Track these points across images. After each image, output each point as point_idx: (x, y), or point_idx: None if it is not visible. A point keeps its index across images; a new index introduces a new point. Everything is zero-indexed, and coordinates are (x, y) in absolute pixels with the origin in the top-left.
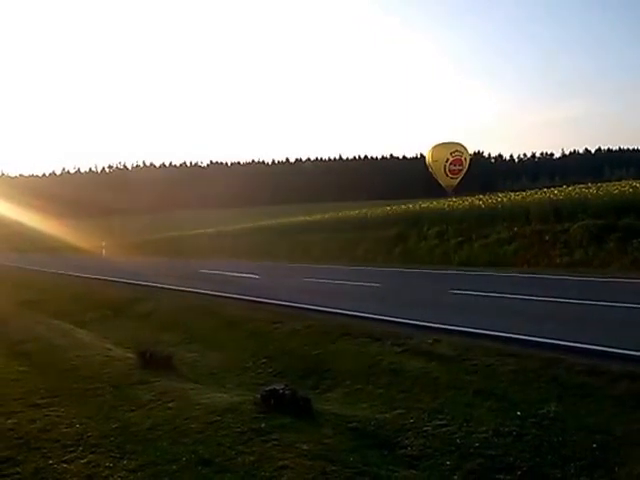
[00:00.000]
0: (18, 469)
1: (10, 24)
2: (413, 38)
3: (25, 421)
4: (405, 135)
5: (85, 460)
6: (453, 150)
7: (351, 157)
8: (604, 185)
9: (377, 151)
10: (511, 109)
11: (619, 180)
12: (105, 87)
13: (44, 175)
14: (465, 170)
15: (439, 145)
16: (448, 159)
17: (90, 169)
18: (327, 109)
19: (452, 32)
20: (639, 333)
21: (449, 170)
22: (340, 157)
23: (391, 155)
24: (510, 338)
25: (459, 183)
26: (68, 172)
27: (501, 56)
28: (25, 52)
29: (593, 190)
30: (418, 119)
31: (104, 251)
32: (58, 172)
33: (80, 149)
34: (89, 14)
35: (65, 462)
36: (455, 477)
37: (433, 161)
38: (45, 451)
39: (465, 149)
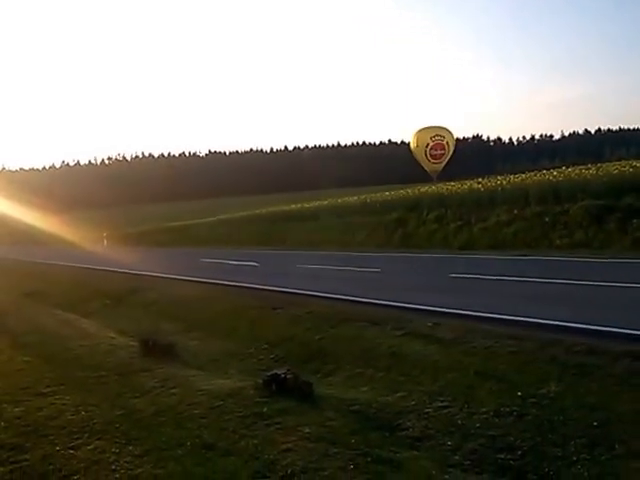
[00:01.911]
0: (26, 456)
1: (7, 17)
2: (412, 21)
3: (32, 409)
4: (404, 121)
5: (91, 446)
6: (433, 135)
7: (349, 144)
8: (604, 165)
9: (375, 137)
10: (510, 92)
11: (619, 160)
12: (103, 79)
13: (44, 168)
14: (448, 155)
15: (422, 130)
16: (428, 144)
17: (89, 161)
18: (326, 96)
19: (442, 10)
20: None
21: (430, 155)
22: (339, 144)
23: (389, 141)
24: (509, 320)
25: (444, 168)
26: (68, 165)
27: (498, 39)
28: (23, 45)
29: (593, 171)
30: (418, 104)
31: (105, 242)
32: (58, 165)
33: (79, 142)
34: (85, 5)
35: (72, 449)
36: (456, 457)
37: (416, 146)
38: (52, 438)
39: (448, 133)
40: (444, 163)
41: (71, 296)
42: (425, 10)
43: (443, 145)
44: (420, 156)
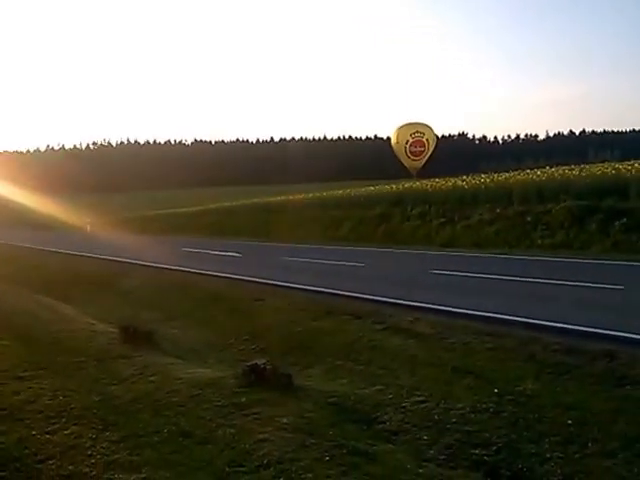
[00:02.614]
0: (2, 439)
1: None
2: (412, 21)
3: (9, 393)
4: (390, 116)
5: (68, 431)
6: (413, 131)
7: (335, 137)
8: (587, 167)
9: (362, 132)
10: (498, 92)
11: (602, 162)
12: (89, 64)
13: (28, 151)
14: (428, 152)
15: (402, 126)
16: (408, 140)
17: (74, 146)
18: (324, 94)
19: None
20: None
21: (410, 152)
22: (325, 137)
23: (375, 136)
24: (488, 317)
25: (425, 165)
26: (52, 149)
27: (486, 39)
28: (9, 29)
29: (576, 172)
30: (416, 102)
31: (89, 227)
32: (42, 149)
33: (64, 126)
34: None
35: (48, 433)
36: (432, 451)
37: (396, 142)
38: (28, 422)
39: (429, 130)
40: (424, 160)
41: (52, 281)
42: (425, 9)
43: (423, 142)
44: (400, 152)
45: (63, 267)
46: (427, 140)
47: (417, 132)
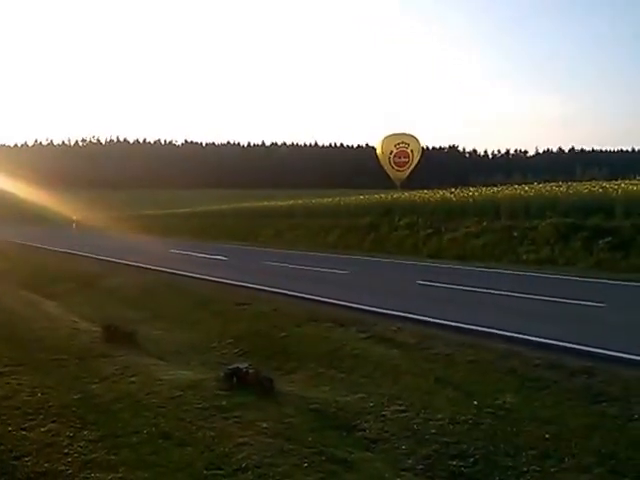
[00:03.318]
0: None
1: None
2: (412, 21)
3: None
4: (381, 125)
5: (45, 429)
6: (398, 142)
7: (327, 144)
8: (574, 184)
9: (354, 139)
10: (490, 106)
11: (590, 180)
12: (83, 60)
13: (16, 145)
14: (412, 163)
15: (388, 137)
16: (392, 151)
17: (63, 142)
18: (324, 96)
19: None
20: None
21: (394, 162)
22: (316, 143)
23: (367, 144)
24: (470, 329)
25: (409, 176)
26: (40, 144)
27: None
28: (4, 24)
29: (564, 189)
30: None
31: (75, 226)
32: (30, 143)
33: (54, 121)
34: None
35: (25, 430)
36: (410, 461)
37: (381, 153)
38: (5, 418)
39: (414, 141)
40: (408, 171)
41: (36, 278)
42: (426, 9)
43: (407, 153)
44: (385, 162)
45: (47, 264)
46: (411, 151)
47: (402, 143)
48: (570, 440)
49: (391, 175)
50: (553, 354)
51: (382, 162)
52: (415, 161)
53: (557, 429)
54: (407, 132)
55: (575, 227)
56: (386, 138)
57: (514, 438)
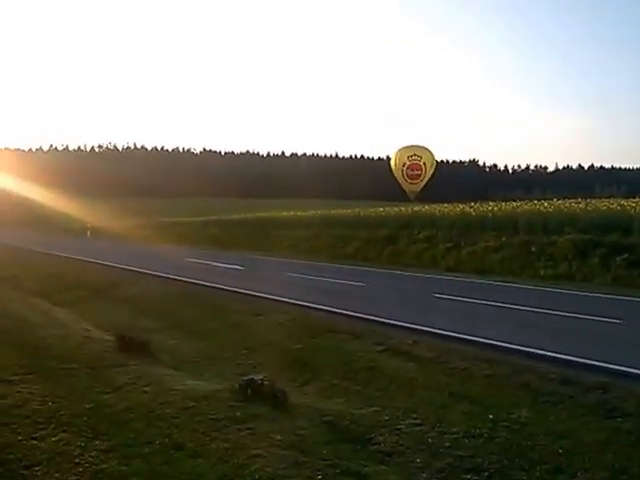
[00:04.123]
0: None
1: None
2: (412, 21)
3: None
4: (401, 138)
5: (56, 438)
6: (411, 154)
7: (347, 156)
8: (593, 201)
9: (373, 152)
10: (510, 121)
11: (608, 197)
12: (100, 67)
13: (30, 150)
14: (426, 176)
15: (402, 149)
16: (405, 163)
17: (79, 147)
18: (329, 102)
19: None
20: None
21: (407, 175)
22: (337, 155)
23: (387, 157)
24: (487, 344)
25: (422, 189)
26: (55, 149)
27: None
28: (16, 30)
29: (582, 205)
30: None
31: (89, 233)
32: (45, 148)
33: (71, 127)
34: None
35: (35, 439)
36: (424, 475)
37: (394, 165)
38: (15, 427)
39: (427, 153)
40: (422, 184)
41: (49, 285)
42: (426, 11)
43: (420, 166)
44: (398, 175)
45: (62, 271)
46: (424, 164)
47: (414, 155)
48: (584, 455)
49: (405, 188)
50: (567, 369)
51: (396, 175)
52: (428, 174)
53: (571, 444)
54: (421, 144)
55: (593, 243)
56: (400, 150)
57: (529, 452)
